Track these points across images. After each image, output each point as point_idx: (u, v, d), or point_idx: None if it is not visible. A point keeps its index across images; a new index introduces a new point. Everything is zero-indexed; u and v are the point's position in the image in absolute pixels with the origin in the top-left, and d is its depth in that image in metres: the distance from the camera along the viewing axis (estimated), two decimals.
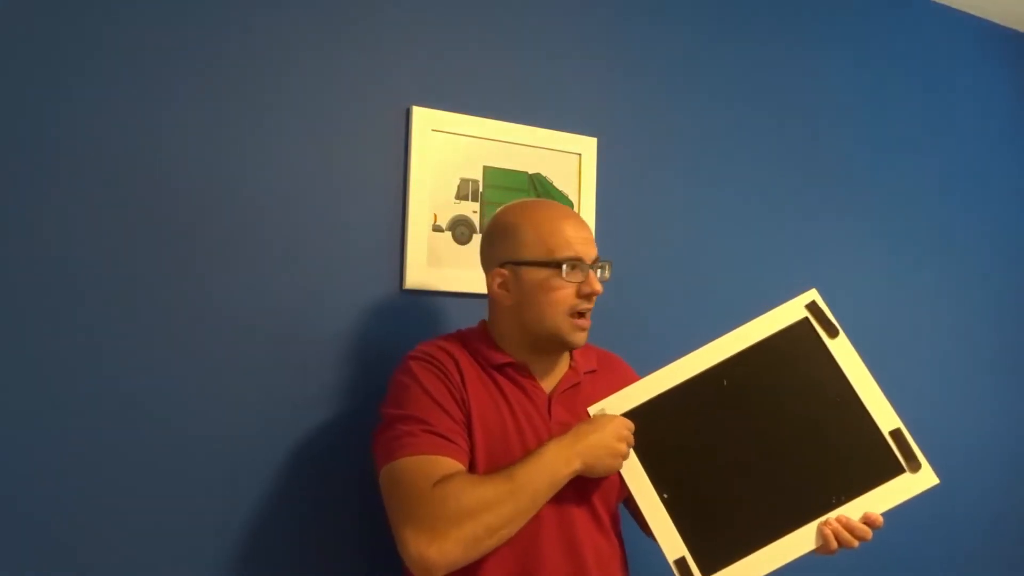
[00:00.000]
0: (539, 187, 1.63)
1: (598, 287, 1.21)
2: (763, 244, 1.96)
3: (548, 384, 1.26)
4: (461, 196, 1.55)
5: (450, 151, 1.54)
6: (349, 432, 1.42)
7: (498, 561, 1.13)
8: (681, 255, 1.84)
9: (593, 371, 1.32)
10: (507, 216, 1.26)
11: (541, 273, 1.20)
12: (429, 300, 1.51)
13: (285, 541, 1.36)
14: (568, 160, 1.67)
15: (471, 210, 1.56)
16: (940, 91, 2.32)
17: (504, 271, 1.23)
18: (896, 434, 1.19)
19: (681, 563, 1.13)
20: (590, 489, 1.20)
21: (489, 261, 1.26)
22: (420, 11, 1.53)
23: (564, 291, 1.20)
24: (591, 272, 1.22)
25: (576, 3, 1.72)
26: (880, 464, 1.18)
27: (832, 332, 1.21)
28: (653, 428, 1.17)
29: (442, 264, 1.52)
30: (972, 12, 2.40)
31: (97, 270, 1.24)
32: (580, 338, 1.22)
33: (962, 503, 2.26)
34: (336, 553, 1.40)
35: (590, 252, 1.22)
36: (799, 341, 1.21)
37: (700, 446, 1.18)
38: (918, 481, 1.17)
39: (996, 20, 2.45)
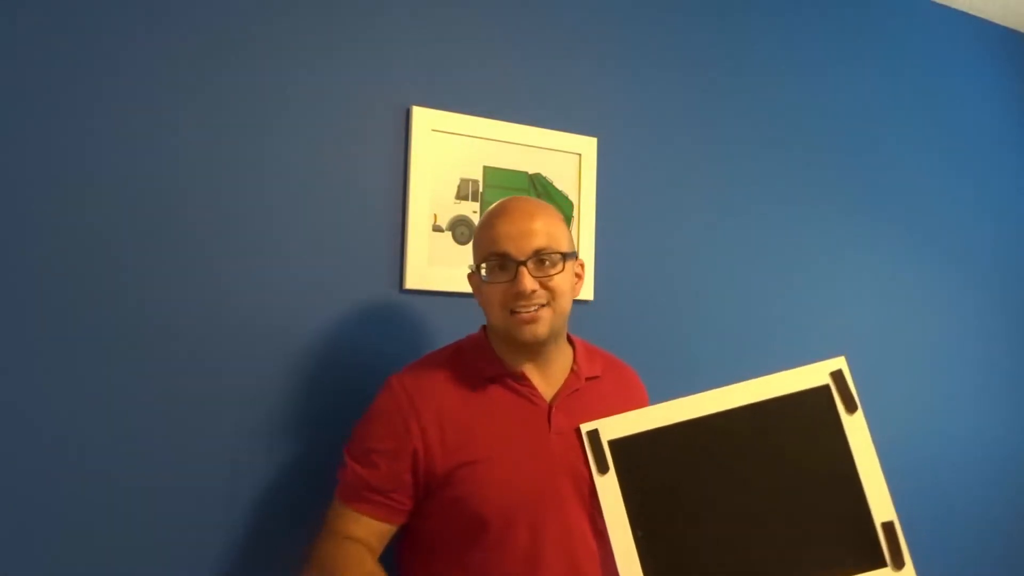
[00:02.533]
0: (539, 187, 1.63)
1: (525, 285, 1.12)
2: (763, 244, 1.96)
3: (549, 390, 1.23)
4: (461, 196, 1.55)
5: (450, 151, 1.54)
6: (348, 431, 1.42)
7: (501, 571, 1.13)
8: (681, 255, 1.84)
9: (596, 377, 1.28)
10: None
11: (477, 277, 1.21)
12: (429, 300, 1.51)
13: (284, 540, 1.36)
14: (568, 160, 1.67)
15: (471, 210, 1.56)
16: (940, 91, 2.32)
17: (472, 275, 1.25)
18: (888, 527, 1.15)
19: None
20: (593, 502, 1.19)
21: None
22: (420, 11, 1.53)
23: (494, 292, 1.16)
24: (520, 268, 1.13)
25: (576, 3, 1.72)
26: (863, 553, 1.14)
27: (851, 407, 1.17)
28: (644, 461, 1.13)
29: (442, 264, 1.52)
30: (972, 12, 2.40)
31: (96, 271, 1.24)
32: (528, 332, 1.15)
33: (962, 503, 2.26)
34: None
35: (522, 247, 1.14)
36: (814, 407, 1.16)
37: (687, 492, 1.13)
38: None
39: (996, 20, 2.45)
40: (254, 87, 1.37)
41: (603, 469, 1.14)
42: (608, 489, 1.13)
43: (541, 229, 1.16)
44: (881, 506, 1.15)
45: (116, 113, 1.26)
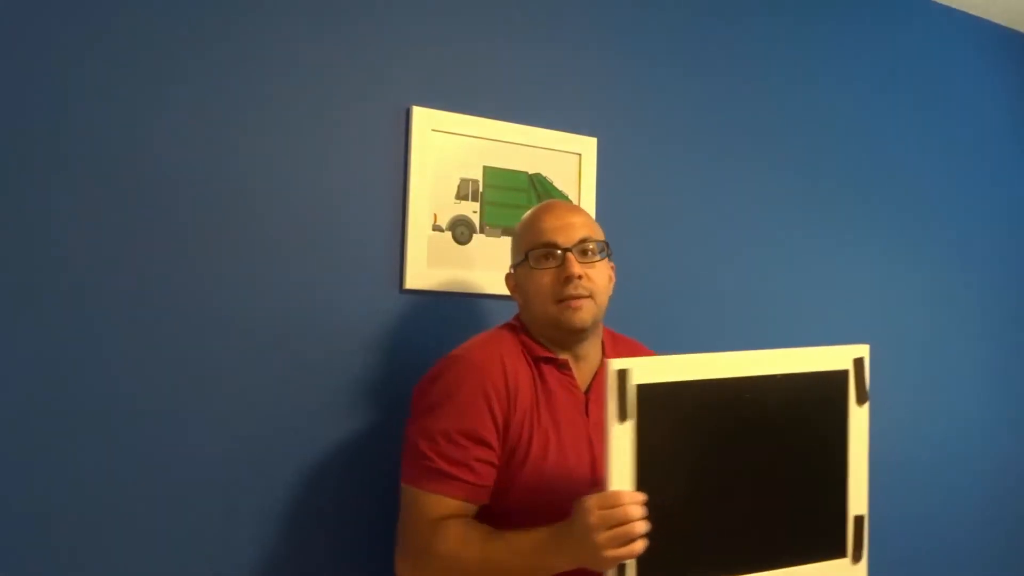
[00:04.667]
0: (539, 187, 1.63)
1: (572, 270, 1.20)
2: (763, 243, 1.96)
3: (583, 381, 1.28)
4: (461, 196, 1.55)
5: (450, 151, 1.54)
6: (348, 431, 1.42)
7: None
8: (681, 255, 1.84)
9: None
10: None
11: (523, 269, 1.26)
12: (429, 300, 1.51)
13: (284, 539, 1.36)
14: (568, 160, 1.67)
15: (471, 210, 1.56)
16: (940, 91, 2.32)
17: (511, 275, 1.32)
18: (859, 521, 1.15)
19: (620, 566, 1.04)
20: None
21: None
22: (420, 11, 1.53)
23: (542, 280, 1.22)
24: (568, 255, 1.21)
25: (576, 3, 1.72)
26: (830, 541, 1.14)
27: (862, 398, 1.16)
28: (665, 415, 1.05)
29: (442, 264, 1.52)
30: (972, 12, 2.40)
31: (95, 271, 1.24)
32: (575, 318, 1.21)
33: (962, 504, 2.27)
34: (332, 550, 1.40)
35: (568, 236, 1.23)
36: (828, 390, 1.15)
37: (694, 456, 1.09)
38: (852, 573, 1.14)
39: (996, 20, 2.45)
40: (254, 87, 1.37)
41: (624, 416, 1.02)
42: (622, 439, 1.02)
43: (583, 222, 1.26)
44: (858, 499, 1.15)
45: (114, 113, 1.26)
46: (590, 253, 1.24)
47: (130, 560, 1.24)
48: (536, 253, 1.24)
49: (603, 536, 0.97)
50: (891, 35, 2.23)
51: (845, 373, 1.15)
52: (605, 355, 1.31)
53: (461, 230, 1.55)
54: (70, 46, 1.23)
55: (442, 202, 1.53)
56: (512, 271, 1.31)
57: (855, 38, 2.15)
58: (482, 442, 1.15)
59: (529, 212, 1.31)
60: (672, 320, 1.81)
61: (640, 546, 0.98)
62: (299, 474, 1.38)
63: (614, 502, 0.98)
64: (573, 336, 1.24)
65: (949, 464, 2.25)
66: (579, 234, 1.23)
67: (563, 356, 1.26)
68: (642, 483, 1.02)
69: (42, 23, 1.22)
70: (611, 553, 0.97)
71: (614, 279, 1.32)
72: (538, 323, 1.26)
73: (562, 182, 1.66)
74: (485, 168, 1.57)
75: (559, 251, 1.22)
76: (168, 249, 1.29)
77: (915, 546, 2.15)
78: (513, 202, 1.60)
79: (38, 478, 1.18)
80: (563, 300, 1.21)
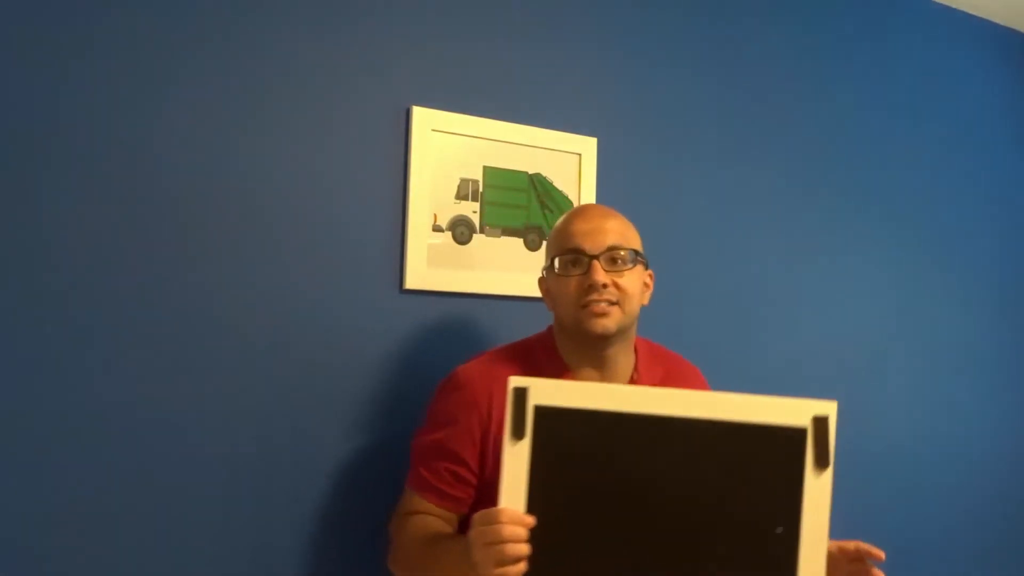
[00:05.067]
0: (539, 187, 1.63)
1: (595, 277, 1.17)
2: (763, 243, 1.96)
3: None
4: (461, 196, 1.55)
5: (450, 151, 1.54)
6: (348, 432, 1.42)
7: None
8: (681, 255, 1.84)
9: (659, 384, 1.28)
10: None
11: (551, 274, 1.25)
12: (429, 300, 1.51)
13: (284, 536, 1.36)
14: (568, 160, 1.67)
15: (471, 210, 1.55)
16: (940, 91, 2.32)
17: (543, 279, 1.30)
18: None
19: None
20: None
21: None
22: (420, 11, 1.53)
23: (567, 287, 1.20)
24: (593, 263, 1.18)
25: (576, 3, 1.72)
26: None
27: (822, 462, 0.95)
28: (568, 442, 0.98)
29: (442, 264, 1.52)
30: (972, 12, 2.40)
31: (95, 271, 1.24)
32: (599, 324, 1.18)
33: (960, 504, 2.27)
34: (332, 550, 1.40)
35: (596, 243, 1.20)
36: (781, 449, 0.96)
37: (599, 495, 0.98)
38: None
39: (996, 20, 2.45)
40: (254, 87, 1.37)
41: (518, 434, 0.98)
42: (515, 458, 0.97)
43: (615, 228, 1.22)
44: None
45: (114, 113, 1.26)
46: (620, 261, 1.20)
47: (130, 561, 1.24)
48: (563, 259, 1.22)
49: (479, 552, 0.94)
50: (891, 35, 2.23)
51: (802, 432, 0.96)
52: (637, 369, 1.28)
53: (461, 230, 1.55)
54: (69, 46, 1.23)
55: (442, 202, 1.52)
56: (543, 275, 1.30)
57: (855, 38, 2.15)
58: (457, 459, 1.19)
59: (564, 214, 1.29)
60: (672, 321, 1.81)
61: (515, 571, 0.93)
62: (299, 474, 1.37)
63: (493, 519, 0.94)
64: (597, 343, 1.21)
65: (948, 464, 2.25)
66: (608, 240, 1.20)
67: (583, 370, 1.23)
68: (533, 506, 0.96)
69: (41, 20, 1.21)
70: (485, 572, 0.94)
71: (651, 287, 1.29)
72: (565, 329, 1.24)
73: (562, 182, 1.66)
74: (485, 168, 1.57)
75: (585, 258, 1.19)
76: (167, 249, 1.29)
77: (914, 546, 2.15)
78: (513, 202, 1.60)
79: (38, 479, 1.18)
80: (586, 305, 1.18)
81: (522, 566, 0.93)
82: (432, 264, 1.50)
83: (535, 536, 0.95)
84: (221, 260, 1.33)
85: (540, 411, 0.99)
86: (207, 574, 1.29)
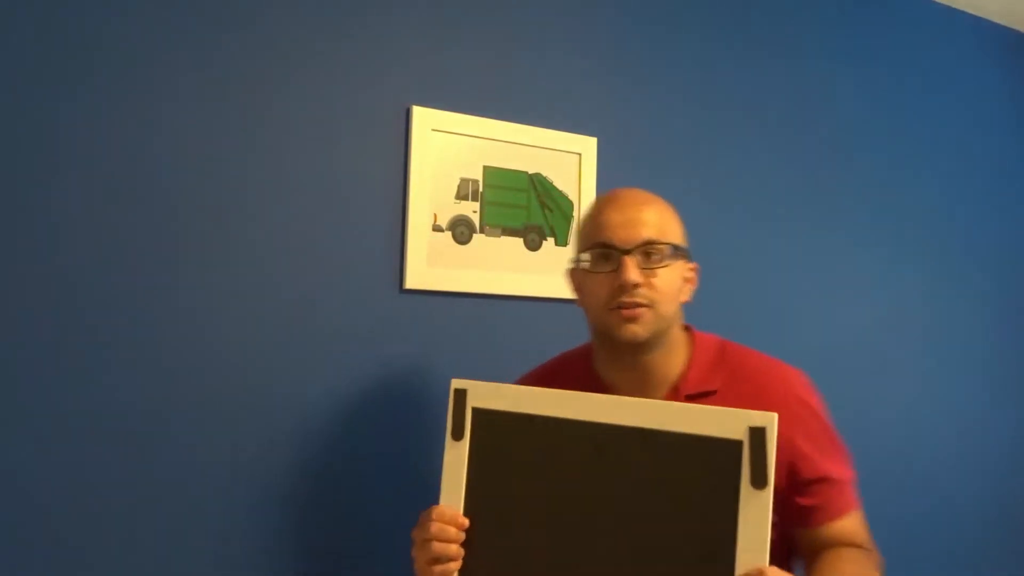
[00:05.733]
0: (539, 187, 1.63)
1: (627, 276, 1.03)
2: (763, 243, 1.96)
3: None
4: (461, 196, 1.55)
5: (450, 151, 1.54)
6: (348, 432, 1.42)
7: None
8: None
9: (709, 393, 1.09)
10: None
11: (577, 272, 1.13)
12: (429, 300, 1.51)
13: (283, 538, 1.36)
14: (568, 160, 1.67)
15: (471, 210, 1.56)
16: (940, 91, 2.32)
17: (573, 272, 1.15)
18: None
19: None
20: None
21: None
22: (420, 11, 1.53)
23: (596, 284, 1.07)
24: (625, 259, 1.04)
25: (576, 3, 1.72)
26: None
27: (759, 480, 0.86)
28: (504, 446, 0.98)
29: (442, 264, 1.52)
30: (972, 12, 2.40)
31: (95, 271, 1.24)
32: (628, 331, 1.05)
33: (960, 504, 2.26)
34: (332, 549, 1.40)
35: (629, 236, 1.05)
36: (715, 463, 0.88)
37: (534, 496, 0.96)
38: None
39: (996, 20, 2.45)
40: (254, 87, 1.37)
41: (457, 435, 1.00)
42: (454, 458, 1.00)
43: (651, 220, 1.07)
44: None
45: (114, 113, 1.26)
46: (655, 256, 1.06)
47: (130, 560, 1.24)
48: (592, 254, 1.08)
49: (414, 549, 0.94)
50: (891, 35, 2.23)
51: (738, 445, 0.87)
52: (686, 378, 1.10)
53: (461, 230, 1.55)
54: (70, 44, 1.23)
55: (442, 202, 1.52)
56: (573, 267, 1.15)
57: (855, 37, 2.15)
58: None
59: (595, 200, 1.15)
60: None
61: (442, 570, 0.92)
62: (298, 474, 1.37)
63: (427, 517, 0.93)
64: (629, 349, 1.07)
65: (949, 463, 2.25)
66: (644, 234, 1.05)
67: (613, 380, 1.12)
68: (470, 508, 0.98)
69: (41, 20, 1.22)
70: (417, 569, 0.92)
71: (694, 282, 1.15)
72: (597, 334, 1.13)
73: (562, 182, 1.66)
74: (485, 168, 1.57)
75: (616, 253, 1.05)
76: (167, 250, 1.29)
77: (914, 546, 2.15)
78: (513, 202, 1.60)
79: (38, 478, 1.18)
80: (616, 307, 1.05)
81: (454, 566, 0.92)
82: (432, 264, 1.50)
83: (470, 537, 0.96)
84: (220, 260, 1.33)
85: (478, 413, 1.00)
86: (206, 574, 1.29)
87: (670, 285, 1.07)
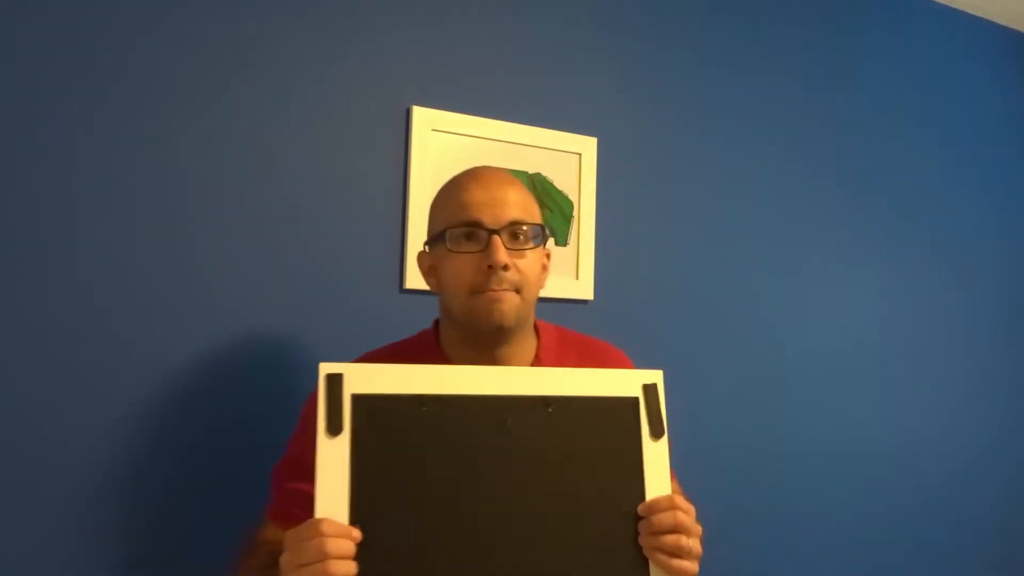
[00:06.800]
0: (539, 187, 1.63)
1: (496, 257, 0.98)
2: (764, 243, 1.96)
3: None
4: None
5: (450, 151, 1.54)
6: None
7: None
8: (681, 255, 1.84)
9: None
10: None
11: (439, 249, 1.04)
12: (429, 300, 1.51)
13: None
14: (568, 160, 1.67)
15: None
16: (940, 91, 2.32)
17: (425, 254, 1.09)
18: None
19: None
20: None
21: None
22: (420, 11, 1.53)
23: (460, 266, 1.01)
24: (493, 238, 0.99)
25: (576, 3, 1.72)
26: None
27: (656, 431, 0.94)
28: (388, 432, 0.87)
29: None
30: (972, 12, 2.40)
31: (95, 270, 1.24)
32: (494, 314, 1.00)
33: (965, 508, 2.26)
34: None
35: (496, 216, 1.00)
36: (616, 421, 0.94)
37: (433, 485, 0.87)
38: None
39: (996, 20, 2.45)
40: (254, 88, 1.37)
41: (335, 429, 0.86)
42: (333, 457, 0.84)
43: (517, 200, 1.03)
44: None
45: (114, 113, 1.26)
46: (522, 238, 1.02)
47: (131, 559, 1.24)
48: (455, 232, 1.01)
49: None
50: (891, 35, 2.23)
51: (635, 402, 0.94)
52: (539, 359, 1.09)
53: None
54: (77, 50, 1.23)
55: None
56: (426, 249, 1.09)
57: (855, 38, 2.15)
58: (311, 475, 0.91)
59: (452, 179, 1.09)
60: (672, 320, 1.81)
61: None
62: None
63: (311, 534, 0.77)
64: (491, 337, 1.03)
65: (950, 468, 2.25)
66: (511, 214, 1.01)
67: (467, 361, 1.06)
68: (359, 512, 0.83)
69: (41, 20, 1.22)
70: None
71: (548, 269, 1.11)
72: (453, 320, 1.06)
73: (562, 182, 1.66)
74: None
75: (484, 232, 1.00)
76: (167, 249, 1.29)
77: (915, 547, 2.15)
78: None
79: (37, 477, 1.18)
80: (481, 291, 1.00)
81: None
82: None
83: (362, 548, 0.81)
84: (220, 260, 1.33)
85: (358, 400, 0.87)
86: (206, 570, 1.29)
87: (534, 269, 1.04)
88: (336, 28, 1.45)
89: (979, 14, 2.41)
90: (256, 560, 1.02)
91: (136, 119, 1.28)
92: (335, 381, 0.88)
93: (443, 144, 1.53)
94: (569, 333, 1.18)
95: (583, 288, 1.67)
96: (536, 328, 1.13)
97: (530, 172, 1.63)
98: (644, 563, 0.89)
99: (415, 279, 1.48)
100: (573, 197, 1.67)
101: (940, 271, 2.27)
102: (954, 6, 2.36)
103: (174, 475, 1.28)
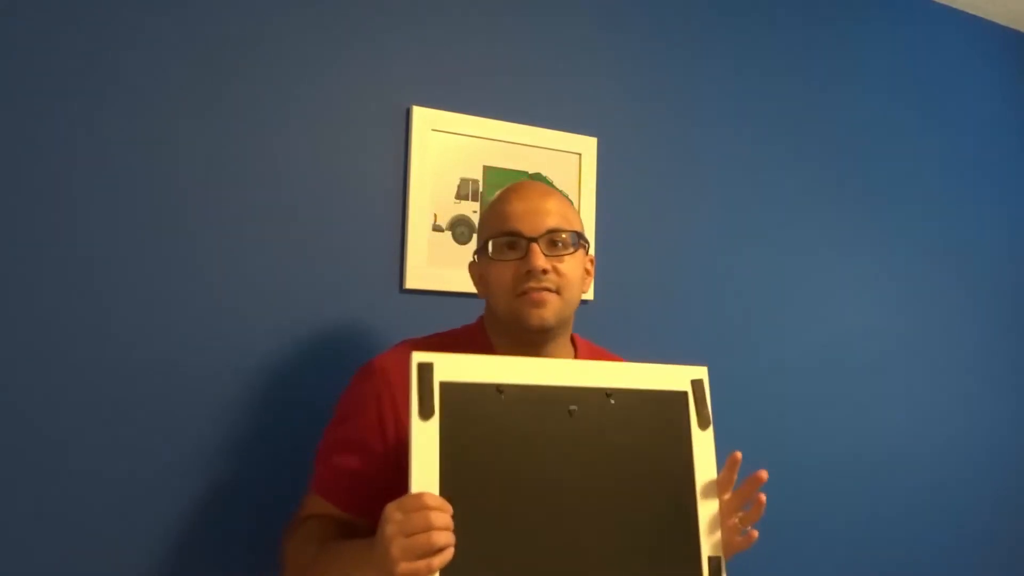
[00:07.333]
0: None
1: (535, 262, 1.06)
2: (764, 243, 1.96)
3: None
4: (461, 196, 1.55)
5: (450, 151, 1.54)
6: None
7: None
8: (681, 255, 1.84)
9: None
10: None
11: (485, 259, 1.14)
12: (429, 300, 1.51)
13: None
14: (568, 160, 1.67)
15: (471, 210, 1.56)
16: (940, 91, 2.32)
17: (474, 264, 1.19)
18: (714, 564, 1.01)
19: None
20: None
21: None
22: (420, 11, 1.53)
23: (502, 272, 1.09)
24: (532, 246, 1.07)
25: (576, 3, 1.72)
26: None
27: (704, 422, 1.05)
28: (472, 416, 0.96)
29: (442, 264, 1.52)
30: (972, 12, 2.40)
31: (95, 270, 1.24)
32: (536, 316, 1.08)
33: (968, 509, 2.26)
34: None
35: (535, 225, 1.09)
36: (668, 412, 1.04)
37: (509, 465, 0.96)
38: None
39: (996, 20, 2.45)
40: (254, 88, 1.37)
41: (426, 414, 0.93)
42: (424, 439, 0.92)
43: (555, 209, 1.12)
44: (711, 537, 1.02)
45: (114, 113, 1.26)
46: (560, 245, 1.10)
47: (131, 558, 1.24)
48: (498, 242, 1.10)
49: (398, 546, 0.82)
50: (891, 35, 2.23)
51: (684, 395, 1.05)
52: (582, 357, 1.19)
53: (461, 230, 1.55)
54: (76, 50, 1.23)
55: (442, 202, 1.53)
56: (475, 259, 1.18)
57: (855, 38, 2.15)
58: (363, 450, 1.07)
59: (497, 194, 1.17)
60: (673, 320, 1.81)
61: (440, 561, 0.83)
62: (299, 474, 1.37)
63: (416, 506, 0.84)
64: (534, 336, 1.10)
65: (951, 467, 2.25)
66: (549, 223, 1.09)
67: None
68: (447, 488, 0.91)
69: (42, 20, 1.22)
70: (406, 567, 0.82)
71: (592, 273, 1.20)
72: (500, 321, 1.13)
73: (562, 182, 1.66)
74: (485, 168, 1.57)
75: (523, 241, 1.09)
76: (167, 249, 1.29)
77: (916, 548, 2.15)
78: None
79: (35, 476, 1.18)
80: (524, 293, 1.08)
81: (447, 554, 0.84)
82: (432, 264, 1.50)
83: (457, 511, 0.88)
84: (220, 260, 1.33)
85: (446, 388, 0.96)
86: (207, 568, 1.29)
87: (575, 272, 1.11)
88: (336, 28, 1.45)
89: (979, 14, 2.41)
90: (306, 530, 1.08)
91: (136, 119, 1.28)
92: (426, 369, 0.96)
93: (443, 144, 1.53)
94: (597, 348, 1.27)
95: None
96: (572, 339, 1.21)
97: (530, 172, 1.63)
98: (694, 538, 1.00)
99: (415, 279, 1.48)
100: (573, 197, 1.67)
101: (940, 271, 2.27)
102: (954, 6, 2.36)
103: (174, 475, 1.28)
